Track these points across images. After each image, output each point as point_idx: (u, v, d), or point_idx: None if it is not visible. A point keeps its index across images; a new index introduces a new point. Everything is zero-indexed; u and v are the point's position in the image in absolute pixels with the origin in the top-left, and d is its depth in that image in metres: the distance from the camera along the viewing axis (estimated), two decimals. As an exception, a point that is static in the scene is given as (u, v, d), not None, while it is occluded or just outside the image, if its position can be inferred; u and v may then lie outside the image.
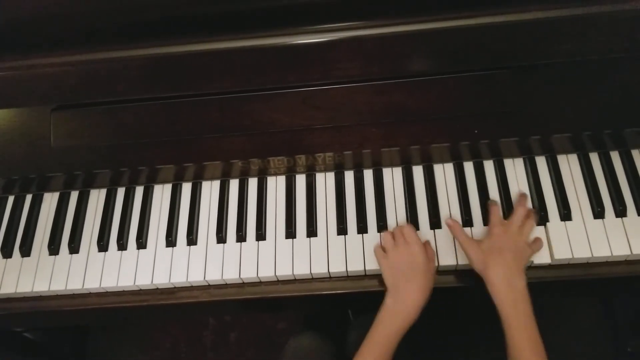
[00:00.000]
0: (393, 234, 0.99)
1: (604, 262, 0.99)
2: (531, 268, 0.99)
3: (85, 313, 1.08)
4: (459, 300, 1.35)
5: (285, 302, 1.07)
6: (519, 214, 0.98)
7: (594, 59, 0.94)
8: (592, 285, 1.07)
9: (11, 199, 1.15)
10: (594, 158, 1.06)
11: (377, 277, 1.01)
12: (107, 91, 0.98)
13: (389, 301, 0.93)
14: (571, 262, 0.99)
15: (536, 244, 0.98)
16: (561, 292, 1.17)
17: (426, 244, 0.98)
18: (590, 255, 0.97)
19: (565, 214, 1.00)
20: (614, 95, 0.99)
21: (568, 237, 0.99)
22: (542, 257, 0.98)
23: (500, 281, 0.90)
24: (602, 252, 0.97)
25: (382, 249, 1.00)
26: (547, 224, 1.00)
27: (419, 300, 0.91)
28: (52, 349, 1.77)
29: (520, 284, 0.90)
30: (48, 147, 1.05)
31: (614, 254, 0.97)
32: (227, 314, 1.73)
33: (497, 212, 1.00)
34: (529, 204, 1.02)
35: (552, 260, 0.98)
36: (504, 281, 0.90)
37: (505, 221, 0.98)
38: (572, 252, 0.97)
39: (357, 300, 1.05)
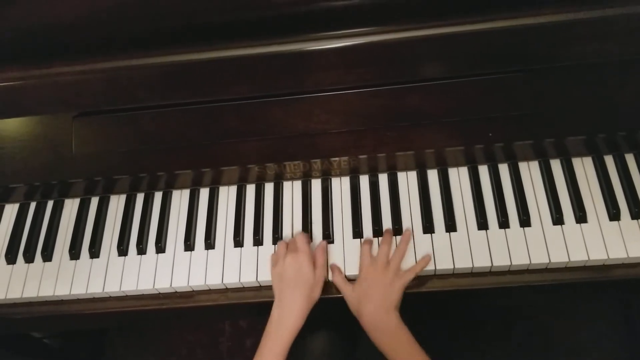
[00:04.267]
0: (287, 244, 1.02)
1: (620, 264, 0.99)
2: (558, 270, 0.99)
3: (105, 317, 1.10)
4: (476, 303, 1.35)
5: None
6: (382, 251, 1.00)
7: (608, 61, 0.95)
8: (608, 288, 1.07)
9: (33, 205, 1.17)
10: (609, 160, 1.06)
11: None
12: (127, 98, 1.00)
13: (274, 312, 0.96)
14: (587, 264, 0.99)
15: (413, 269, 0.98)
16: (577, 295, 1.17)
17: (317, 252, 1.00)
18: (606, 258, 0.97)
19: (581, 216, 1.00)
20: (628, 97, 0.99)
21: (584, 240, 0.99)
22: (538, 257, 0.98)
23: (371, 327, 0.94)
24: (618, 254, 0.97)
25: (272, 258, 1.02)
26: (562, 226, 1.00)
27: (303, 309, 0.94)
28: (70, 355, 1.79)
29: (391, 322, 0.93)
30: (69, 154, 1.07)
31: (630, 255, 0.97)
32: (245, 317, 1.74)
33: (366, 251, 1.01)
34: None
35: (568, 262, 0.98)
36: (375, 326, 0.93)
37: (375, 258, 0.99)
38: (587, 254, 0.98)
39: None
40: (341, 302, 1.02)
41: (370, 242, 1.03)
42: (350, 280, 1.02)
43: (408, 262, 1.00)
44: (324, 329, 1.19)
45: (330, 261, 1.03)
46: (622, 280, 1.00)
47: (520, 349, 1.64)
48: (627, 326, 1.64)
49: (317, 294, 0.98)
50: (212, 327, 1.82)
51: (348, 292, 0.98)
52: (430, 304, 0.94)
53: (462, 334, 1.66)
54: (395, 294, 0.96)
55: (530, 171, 1.07)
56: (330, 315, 1.16)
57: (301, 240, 1.00)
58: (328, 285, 1.03)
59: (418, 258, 1.01)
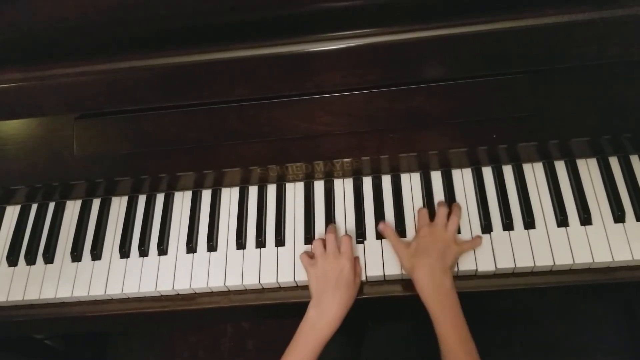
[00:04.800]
0: (324, 243, 1.01)
1: (624, 266, 0.98)
2: (562, 272, 0.99)
3: (107, 319, 1.09)
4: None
5: (305, 307, 1.07)
6: (440, 213, 1.00)
7: (612, 62, 0.94)
8: (612, 290, 1.06)
9: (34, 206, 1.17)
10: (614, 162, 1.05)
11: (398, 282, 1.02)
12: (129, 99, 0.99)
13: (311, 312, 0.94)
14: (592, 266, 0.98)
15: (470, 242, 0.99)
16: (581, 297, 1.16)
17: (356, 260, 1.00)
18: (611, 260, 0.96)
19: (585, 218, 1.00)
20: (633, 99, 0.99)
21: (588, 242, 0.98)
22: (542, 260, 0.98)
23: (426, 281, 0.92)
24: (623, 256, 0.97)
25: (308, 256, 1.01)
26: (567, 228, 1.00)
27: (340, 314, 0.93)
28: (71, 357, 1.79)
29: (446, 282, 0.92)
30: (71, 156, 1.07)
31: (635, 257, 0.96)
32: (248, 320, 1.74)
33: (423, 214, 1.02)
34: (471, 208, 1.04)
35: (573, 264, 0.97)
36: (430, 281, 0.92)
37: (432, 222, 1.00)
38: (592, 256, 0.97)
39: (376, 305, 1.05)
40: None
41: (425, 209, 1.03)
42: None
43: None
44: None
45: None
46: (627, 282, 0.99)
47: (523, 351, 1.64)
48: (631, 328, 1.64)
49: (353, 300, 0.96)
50: (213, 328, 1.82)
51: (402, 251, 0.98)
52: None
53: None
54: (452, 256, 0.95)
55: (534, 173, 1.06)
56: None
57: (347, 243, 0.99)
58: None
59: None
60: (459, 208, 1.03)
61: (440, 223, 0.99)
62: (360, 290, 1.01)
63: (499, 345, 1.65)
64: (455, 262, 0.98)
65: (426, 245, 0.96)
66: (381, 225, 1.02)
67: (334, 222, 1.06)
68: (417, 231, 1.00)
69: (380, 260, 1.02)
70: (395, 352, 1.30)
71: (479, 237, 1.00)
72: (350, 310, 0.95)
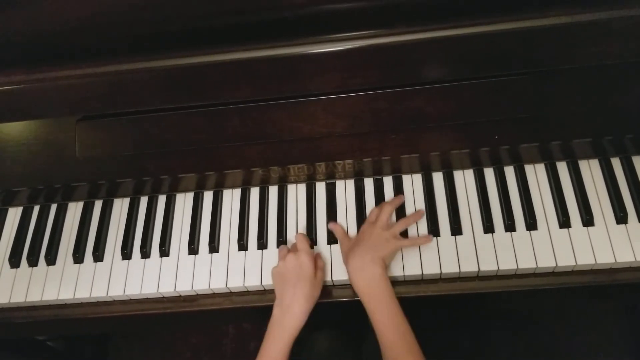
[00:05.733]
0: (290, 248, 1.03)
1: (627, 267, 0.98)
2: (565, 274, 0.99)
3: (108, 321, 1.09)
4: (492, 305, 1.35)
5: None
6: (385, 210, 1.02)
7: (614, 63, 0.94)
8: (614, 292, 1.06)
9: (36, 208, 1.17)
10: (616, 163, 1.05)
11: (402, 283, 1.01)
12: (131, 101, 0.99)
13: (276, 311, 0.95)
14: (594, 267, 0.98)
15: (413, 239, 1.01)
16: (583, 298, 1.16)
17: (317, 256, 1.01)
18: (613, 261, 0.96)
19: (588, 220, 1.00)
20: (635, 99, 0.99)
21: (591, 243, 0.98)
22: (544, 261, 0.98)
23: (355, 271, 0.95)
24: (625, 257, 0.96)
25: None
26: (569, 229, 1.00)
27: (304, 308, 0.94)
28: (73, 358, 1.79)
29: (376, 271, 0.93)
30: (73, 157, 1.07)
31: (638, 259, 0.96)
32: (249, 321, 1.73)
33: (373, 212, 1.04)
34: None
35: (575, 266, 0.97)
36: (359, 271, 0.94)
37: (377, 219, 1.01)
38: (595, 257, 0.97)
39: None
40: (346, 305, 1.01)
41: (376, 209, 1.04)
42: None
43: (412, 263, 1.00)
44: (330, 329, 1.19)
45: (335, 264, 1.03)
46: (629, 283, 0.99)
47: (525, 352, 1.64)
48: (633, 329, 1.64)
49: (317, 293, 0.97)
50: (215, 329, 1.81)
51: (345, 243, 1.01)
52: (436, 307, 0.93)
53: (467, 337, 1.66)
54: (385, 249, 0.96)
55: (536, 174, 1.06)
56: (336, 317, 1.16)
57: (301, 240, 1.01)
58: (333, 289, 1.03)
59: (423, 260, 1.00)
60: (420, 215, 1.04)
61: (381, 222, 1.00)
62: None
63: (502, 346, 1.65)
64: (392, 256, 0.99)
65: (361, 238, 0.99)
66: (331, 225, 1.05)
67: (336, 223, 1.06)
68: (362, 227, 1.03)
69: (382, 261, 1.01)
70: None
71: (429, 237, 1.01)
72: (349, 311, 0.96)
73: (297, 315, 0.93)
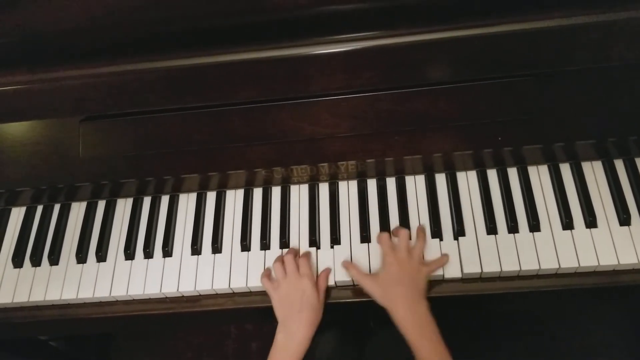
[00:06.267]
0: (283, 262, 1.00)
1: (630, 269, 0.98)
2: (568, 275, 0.98)
3: (111, 321, 1.09)
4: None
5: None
6: (402, 236, 0.99)
7: (617, 65, 0.94)
8: (617, 293, 1.06)
9: (40, 208, 1.17)
10: (619, 164, 1.05)
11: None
12: (134, 102, 0.99)
13: (279, 337, 0.95)
14: (597, 269, 0.98)
15: (437, 260, 0.98)
16: (585, 299, 1.16)
17: (320, 276, 1.00)
18: (616, 263, 0.96)
19: (591, 221, 0.99)
20: (639, 101, 0.98)
21: (594, 245, 0.98)
22: (548, 263, 0.97)
23: (403, 313, 0.91)
24: (628, 259, 0.96)
25: (268, 279, 1.01)
26: (572, 231, 1.00)
27: (309, 334, 0.94)
28: (76, 358, 1.79)
29: (421, 309, 0.91)
30: (77, 158, 1.07)
31: (642, 261, 0.96)
32: (252, 321, 1.74)
33: (385, 240, 0.99)
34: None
35: (578, 267, 0.97)
36: (408, 312, 0.91)
37: (396, 245, 0.98)
38: (598, 259, 0.97)
39: (378, 307, 1.05)
40: (347, 306, 1.01)
41: (386, 234, 1.02)
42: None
43: (416, 267, 1.00)
44: (333, 331, 1.19)
45: (337, 265, 1.03)
46: (631, 285, 0.99)
47: (528, 354, 1.63)
48: (635, 332, 1.63)
49: (320, 318, 0.97)
50: (218, 330, 1.82)
51: (369, 282, 0.96)
52: (438, 309, 0.93)
53: (469, 338, 1.65)
54: (422, 281, 0.95)
55: (539, 175, 1.06)
56: (338, 318, 1.16)
57: (304, 264, 0.99)
58: (334, 290, 1.03)
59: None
60: (424, 232, 1.02)
61: (403, 247, 0.97)
62: (360, 293, 1.01)
63: (504, 347, 1.64)
64: (427, 284, 0.96)
65: (395, 275, 0.95)
66: (344, 264, 1.01)
67: (339, 224, 1.06)
68: (382, 258, 0.99)
69: (385, 262, 1.01)
70: (398, 353, 1.29)
71: (446, 255, 0.99)
72: (351, 311, 0.96)
73: (302, 342, 0.93)
